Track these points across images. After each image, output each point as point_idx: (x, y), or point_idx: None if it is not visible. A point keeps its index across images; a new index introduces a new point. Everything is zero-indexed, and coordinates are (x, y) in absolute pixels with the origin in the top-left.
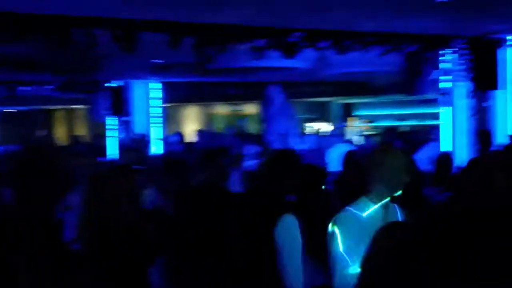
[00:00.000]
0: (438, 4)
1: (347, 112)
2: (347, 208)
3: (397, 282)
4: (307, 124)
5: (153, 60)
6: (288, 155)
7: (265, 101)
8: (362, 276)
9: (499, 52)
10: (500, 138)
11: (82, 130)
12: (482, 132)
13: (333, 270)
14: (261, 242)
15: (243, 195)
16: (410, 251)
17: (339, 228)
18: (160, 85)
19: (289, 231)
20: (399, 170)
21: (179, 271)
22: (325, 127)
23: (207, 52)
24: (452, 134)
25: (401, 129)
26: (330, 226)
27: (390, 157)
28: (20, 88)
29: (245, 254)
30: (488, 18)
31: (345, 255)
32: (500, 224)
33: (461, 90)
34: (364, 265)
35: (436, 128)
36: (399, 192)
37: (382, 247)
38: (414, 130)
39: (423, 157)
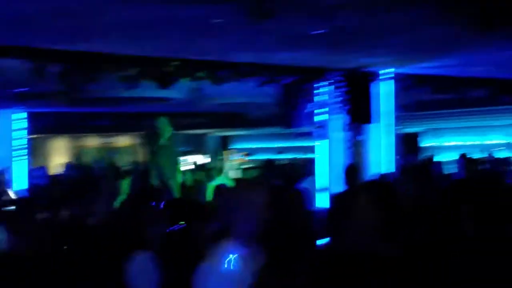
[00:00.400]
0: (312, 36)
1: (224, 144)
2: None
3: None
4: (182, 158)
5: (16, 89)
6: (150, 192)
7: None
8: None
9: (373, 86)
10: (374, 171)
11: None
12: (350, 167)
13: None
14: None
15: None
16: None
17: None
18: (25, 115)
19: (142, 268)
20: (261, 207)
21: None
22: (201, 160)
23: (73, 81)
24: (328, 168)
25: (280, 163)
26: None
27: (252, 195)
28: None
29: None
30: (361, 51)
31: None
32: None
33: (337, 123)
34: None
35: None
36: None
37: None
38: (292, 164)
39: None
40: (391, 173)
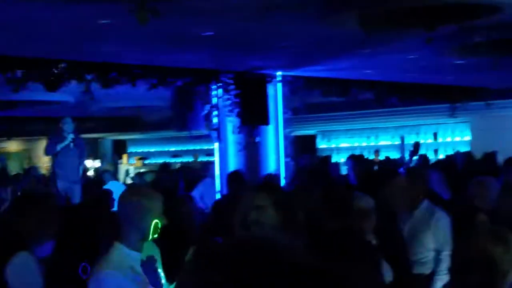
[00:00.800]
0: (202, 38)
1: (118, 149)
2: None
3: None
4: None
5: None
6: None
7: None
8: None
9: (264, 88)
10: (265, 173)
11: None
12: (231, 173)
13: None
14: None
15: None
16: None
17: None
18: None
19: (23, 271)
20: (153, 213)
21: None
22: (95, 164)
23: None
24: (221, 170)
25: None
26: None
27: (142, 199)
28: None
29: None
30: (252, 54)
31: None
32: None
33: (230, 126)
34: None
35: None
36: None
37: None
38: (189, 167)
39: (196, 195)
40: (277, 174)
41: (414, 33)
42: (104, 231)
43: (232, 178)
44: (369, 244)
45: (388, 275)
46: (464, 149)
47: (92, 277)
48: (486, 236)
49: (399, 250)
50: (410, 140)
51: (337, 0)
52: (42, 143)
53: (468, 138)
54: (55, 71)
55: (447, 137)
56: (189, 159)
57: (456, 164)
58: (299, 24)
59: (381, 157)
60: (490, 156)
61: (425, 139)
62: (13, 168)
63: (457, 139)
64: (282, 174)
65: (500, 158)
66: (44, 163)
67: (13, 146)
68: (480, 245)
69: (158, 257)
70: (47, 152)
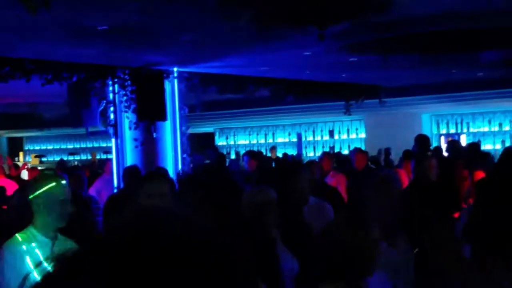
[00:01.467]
0: (96, 32)
1: (15, 146)
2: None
3: None
4: None
5: None
6: None
7: None
8: None
9: (160, 84)
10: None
11: None
12: (129, 168)
13: None
14: None
15: None
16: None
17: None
18: None
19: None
20: (59, 201)
21: None
22: None
23: None
24: (117, 167)
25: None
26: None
27: (50, 188)
28: None
29: None
30: (149, 50)
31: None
32: None
33: (127, 122)
34: None
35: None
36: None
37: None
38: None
39: (92, 192)
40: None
41: (307, 30)
42: None
43: (128, 173)
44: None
45: (294, 266)
46: (359, 146)
47: None
48: (346, 223)
49: (306, 241)
50: (307, 137)
51: None
52: None
53: (363, 135)
54: None
55: (343, 134)
56: (87, 156)
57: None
58: (195, 17)
59: (278, 154)
60: (385, 152)
61: (322, 137)
62: None
63: (353, 136)
64: (179, 169)
65: (394, 154)
66: None
67: None
68: (341, 233)
69: None
70: None
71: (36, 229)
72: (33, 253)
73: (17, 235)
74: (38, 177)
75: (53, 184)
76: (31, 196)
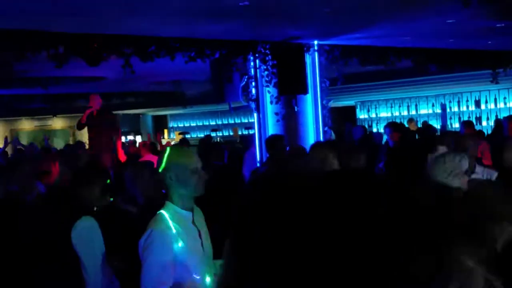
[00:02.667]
0: (237, 8)
1: (160, 124)
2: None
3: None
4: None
5: None
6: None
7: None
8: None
9: (301, 58)
10: (309, 142)
11: None
12: (270, 137)
13: None
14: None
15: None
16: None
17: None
18: None
19: (84, 233)
20: (195, 171)
21: None
22: (137, 139)
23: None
24: (259, 141)
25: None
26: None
27: (171, 160)
28: None
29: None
30: (290, 23)
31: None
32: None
33: (268, 96)
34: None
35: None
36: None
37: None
38: (229, 140)
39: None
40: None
41: None
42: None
43: (271, 142)
44: None
45: None
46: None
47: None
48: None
49: None
50: (451, 108)
51: None
52: None
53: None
54: (95, 46)
55: (490, 104)
56: (229, 132)
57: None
58: None
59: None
60: None
61: (467, 107)
62: (58, 144)
63: (501, 105)
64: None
65: None
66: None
67: (58, 123)
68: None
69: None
70: (77, 127)
71: (174, 203)
72: (177, 228)
73: (162, 211)
74: (164, 150)
75: (180, 154)
76: (160, 170)
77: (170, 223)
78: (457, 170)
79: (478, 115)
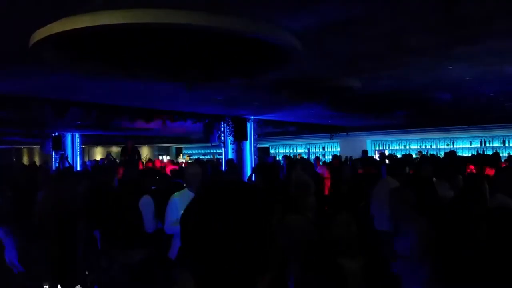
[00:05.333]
0: (217, 100)
1: (178, 151)
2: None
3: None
4: (160, 157)
5: (77, 122)
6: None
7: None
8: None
9: (246, 124)
10: (248, 165)
11: (37, 159)
12: (229, 161)
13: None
14: (132, 209)
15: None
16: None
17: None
18: (78, 135)
19: (146, 204)
20: (196, 176)
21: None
22: (165, 158)
23: (104, 120)
24: (224, 163)
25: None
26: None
27: (190, 169)
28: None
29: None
30: (240, 108)
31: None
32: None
33: (229, 140)
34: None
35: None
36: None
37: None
38: (211, 160)
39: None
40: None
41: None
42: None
43: (228, 162)
44: None
45: None
46: None
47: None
48: None
49: None
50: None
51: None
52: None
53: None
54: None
55: None
56: (210, 156)
57: None
58: (258, 94)
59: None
60: None
61: None
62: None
63: None
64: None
65: None
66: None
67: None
68: None
69: None
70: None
71: (188, 189)
72: (183, 202)
73: (176, 193)
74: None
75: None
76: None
77: (179, 198)
78: None
79: None
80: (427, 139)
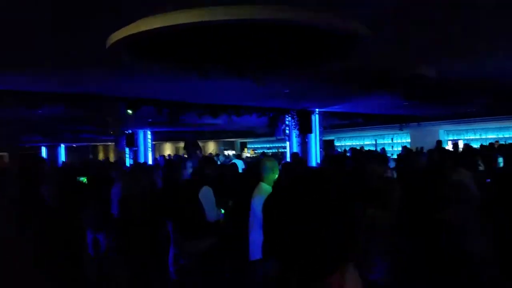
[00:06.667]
0: (283, 93)
1: (243, 146)
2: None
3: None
4: (225, 152)
5: (148, 120)
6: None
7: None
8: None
9: (312, 116)
10: (313, 158)
11: (111, 156)
12: (294, 154)
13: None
14: (193, 200)
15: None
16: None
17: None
18: (149, 132)
19: (206, 194)
20: (273, 170)
21: None
22: (232, 152)
23: (174, 116)
24: (290, 155)
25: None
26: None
27: (266, 164)
28: (81, 135)
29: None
30: (305, 101)
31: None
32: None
33: (294, 134)
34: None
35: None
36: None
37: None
38: (276, 153)
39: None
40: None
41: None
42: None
43: (293, 155)
44: None
45: None
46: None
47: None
48: None
49: None
50: None
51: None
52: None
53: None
54: (216, 110)
55: None
56: (274, 150)
57: None
58: (326, 88)
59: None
60: None
61: None
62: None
63: None
64: (318, 158)
65: None
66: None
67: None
68: None
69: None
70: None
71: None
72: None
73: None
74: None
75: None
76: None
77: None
78: None
79: None
80: (505, 127)
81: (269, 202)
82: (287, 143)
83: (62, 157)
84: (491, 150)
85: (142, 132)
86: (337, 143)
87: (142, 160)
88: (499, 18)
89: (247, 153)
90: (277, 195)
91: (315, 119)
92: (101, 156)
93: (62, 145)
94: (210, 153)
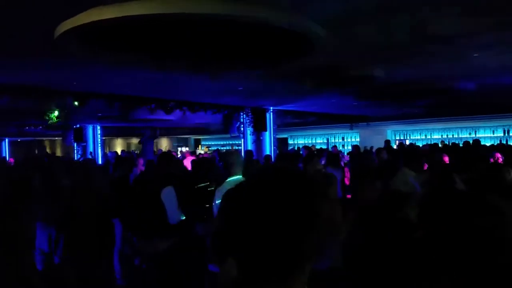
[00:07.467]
0: (238, 90)
1: (197, 142)
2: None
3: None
4: (178, 148)
5: (98, 114)
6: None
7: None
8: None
9: (267, 114)
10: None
11: (58, 151)
12: (248, 151)
13: None
14: (154, 199)
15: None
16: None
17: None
18: (99, 127)
19: (168, 194)
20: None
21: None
22: (186, 149)
23: (125, 111)
24: (244, 153)
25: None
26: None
27: (227, 156)
28: (26, 128)
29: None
30: (260, 99)
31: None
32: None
33: (249, 131)
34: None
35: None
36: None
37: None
38: (230, 150)
39: None
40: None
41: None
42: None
43: (247, 153)
44: None
45: None
46: None
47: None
48: None
49: None
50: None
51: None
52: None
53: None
54: (170, 105)
55: None
56: (229, 147)
57: None
58: (280, 88)
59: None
60: None
61: None
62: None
63: None
64: (272, 155)
65: None
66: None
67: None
68: None
69: None
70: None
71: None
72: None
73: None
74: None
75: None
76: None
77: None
78: None
79: None
80: (449, 128)
81: (230, 195)
82: (242, 140)
83: (6, 152)
84: (435, 150)
85: (91, 126)
86: (290, 141)
87: (91, 156)
88: (448, 23)
89: (201, 150)
90: (240, 190)
91: (270, 117)
92: (47, 151)
93: (6, 140)
94: (160, 149)
